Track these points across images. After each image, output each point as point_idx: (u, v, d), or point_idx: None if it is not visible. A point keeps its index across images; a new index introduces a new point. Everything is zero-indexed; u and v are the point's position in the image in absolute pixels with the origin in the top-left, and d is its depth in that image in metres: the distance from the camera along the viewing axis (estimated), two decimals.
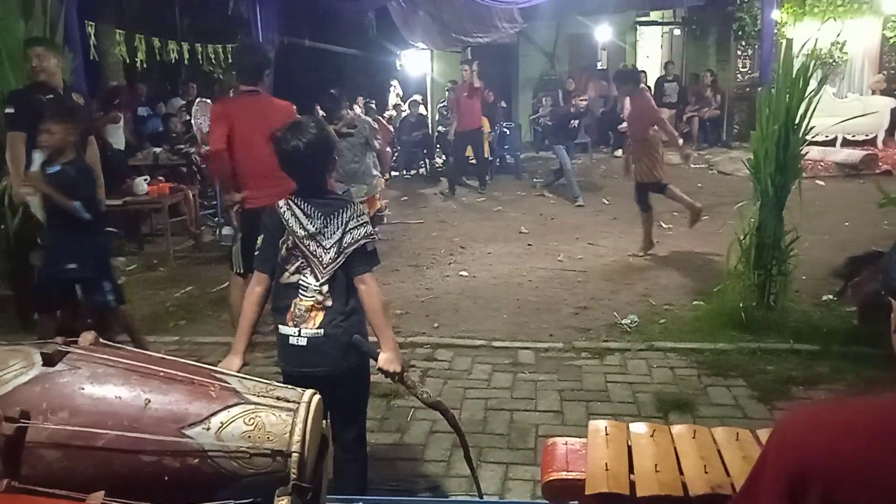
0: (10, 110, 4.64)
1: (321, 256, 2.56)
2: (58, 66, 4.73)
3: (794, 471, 1.07)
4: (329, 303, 2.56)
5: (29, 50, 4.73)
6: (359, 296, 2.61)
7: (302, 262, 2.58)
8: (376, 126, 7.05)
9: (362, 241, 2.59)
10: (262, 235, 2.66)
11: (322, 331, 2.54)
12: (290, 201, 2.61)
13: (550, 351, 4.67)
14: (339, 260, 2.56)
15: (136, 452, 1.54)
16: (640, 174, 6.70)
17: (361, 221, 2.62)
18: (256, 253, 2.67)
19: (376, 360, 2.63)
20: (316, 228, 2.56)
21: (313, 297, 2.55)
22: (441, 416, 2.85)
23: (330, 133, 2.74)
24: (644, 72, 14.54)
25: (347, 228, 2.58)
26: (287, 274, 2.59)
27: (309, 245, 2.56)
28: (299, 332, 2.55)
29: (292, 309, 2.57)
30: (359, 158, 6.73)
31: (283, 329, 2.59)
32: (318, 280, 2.55)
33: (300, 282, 2.57)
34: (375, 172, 7.03)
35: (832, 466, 1.04)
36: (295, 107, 4.56)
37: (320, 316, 2.55)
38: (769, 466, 1.12)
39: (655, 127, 6.70)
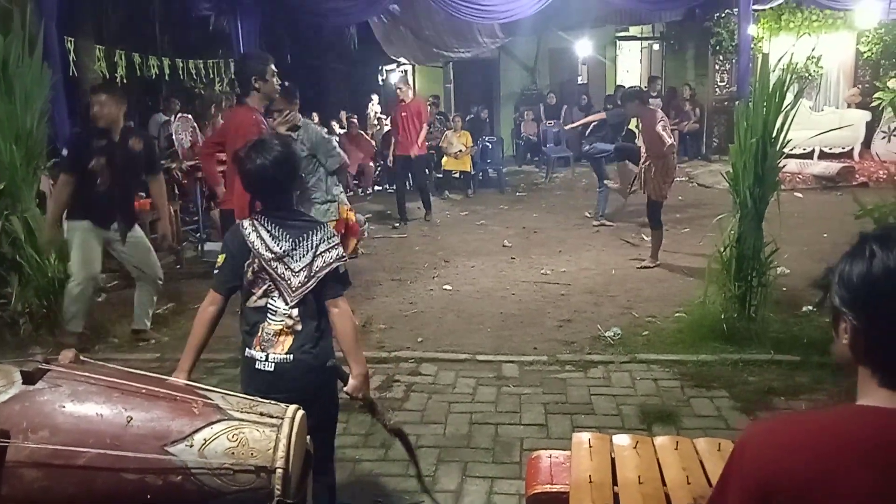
0: (64, 152, 4.93)
1: (290, 279, 2.47)
2: (119, 112, 4.91)
3: (756, 487, 1.11)
4: (299, 327, 2.49)
5: (93, 97, 4.93)
6: (330, 319, 2.54)
7: (269, 286, 2.49)
8: (334, 144, 5.82)
9: (334, 265, 2.52)
10: (224, 255, 2.57)
11: (291, 356, 2.46)
12: (254, 221, 2.52)
13: (534, 364, 4.67)
14: (309, 284, 2.48)
15: (117, 471, 1.53)
16: (652, 191, 6.78)
17: (333, 244, 2.55)
18: (216, 272, 2.58)
19: (346, 383, 2.56)
20: (283, 250, 2.47)
21: (283, 321, 2.48)
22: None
23: (296, 150, 2.65)
24: (622, 86, 14.74)
25: (318, 252, 2.51)
26: (254, 298, 2.51)
27: (277, 268, 2.47)
28: (267, 356, 2.47)
29: (259, 333, 2.49)
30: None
31: (249, 353, 2.51)
32: (286, 304, 2.48)
33: (268, 305, 2.49)
34: (329, 196, 5.69)
35: (792, 481, 1.08)
36: (254, 117, 4.41)
37: (289, 340, 2.48)
38: (732, 485, 1.15)
39: (672, 144, 6.75)
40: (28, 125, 5.14)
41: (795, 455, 1.09)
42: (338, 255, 2.55)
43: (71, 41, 8.97)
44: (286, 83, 5.35)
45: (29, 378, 1.61)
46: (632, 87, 7.94)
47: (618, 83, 15.34)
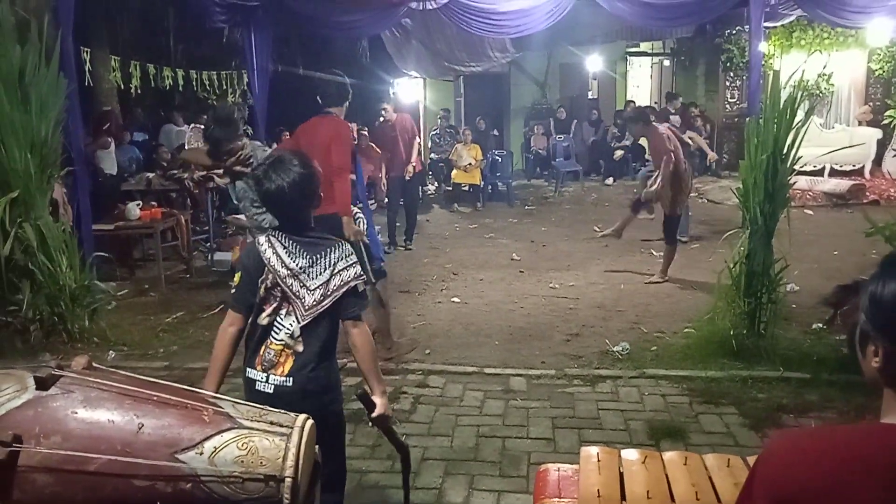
0: None
1: (304, 297, 2.41)
2: None
3: (773, 496, 1.13)
4: (300, 348, 2.42)
5: None
6: (350, 339, 2.49)
7: (280, 303, 2.43)
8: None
9: (353, 283, 2.45)
10: (241, 273, 2.51)
11: (291, 379, 2.40)
12: (270, 238, 2.47)
13: (542, 378, 4.67)
14: (324, 303, 2.42)
15: (128, 477, 1.54)
16: (666, 206, 6.78)
17: (351, 262, 2.48)
18: (233, 291, 2.53)
19: (372, 411, 2.48)
20: (300, 267, 2.41)
21: (283, 340, 2.42)
22: (402, 458, 2.73)
23: (314, 169, 2.54)
24: (633, 101, 14.76)
25: (336, 270, 2.44)
26: (263, 315, 2.44)
27: (292, 285, 2.40)
28: (267, 377, 2.41)
29: (261, 352, 2.44)
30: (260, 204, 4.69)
31: (250, 373, 2.46)
32: (297, 322, 2.41)
33: (275, 323, 2.44)
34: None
35: (806, 492, 1.10)
36: (349, 125, 4.94)
37: (289, 362, 2.41)
38: (755, 490, 1.17)
39: (683, 161, 6.69)
40: (43, 134, 5.20)
41: (813, 467, 1.11)
42: (356, 273, 2.47)
43: (87, 51, 9.08)
44: (225, 114, 4.78)
45: (42, 384, 1.62)
46: (637, 107, 7.94)
47: (628, 98, 15.37)
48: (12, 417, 1.56)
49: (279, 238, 2.46)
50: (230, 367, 2.53)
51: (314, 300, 2.41)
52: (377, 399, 2.49)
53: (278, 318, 2.43)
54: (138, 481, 1.54)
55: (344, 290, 2.44)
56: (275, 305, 2.43)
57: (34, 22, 5.25)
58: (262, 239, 2.49)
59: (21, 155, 5.06)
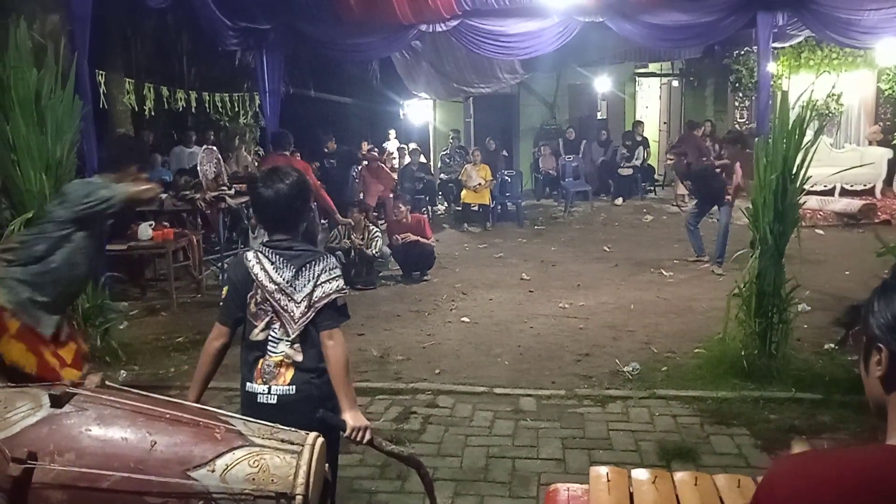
0: None
1: (292, 311, 2.45)
2: None
3: None
4: (299, 358, 2.46)
5: None
6: (323, 350, 2.47)
7: (272, 318, 2.47)
8: None
9: (333, 296, 2.48)
10: (228, 287, 2.57)
11: (293, 387, 2.43)
12: (258, 253, 2.51)
13: (552, 398, 4.65)
14: (309, 314, 2.45)
15: (140, 494, 1.55)
16: None
17: (334, 275, 2.51)
18: (220, 304, 2.59)
19: (344, 430, 2.41)
20: (286, 280, 2.45)
21: (283, 352, 2.46)
22: (417, 471, 2.54)
23: (307, 179, 2.62)
24: (642, 122, 14.79)
25: (319, 282, 2.47)
26: (256, 330, 2.48)
27: (280, 299, 2.45)
28: (269, 389, 2.44)
29: (260, 365, 2.47)
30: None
31: (250, 387, 2.47)
32: (289, 335, 2.45)
33: (269, 338, 2.47)
34: None
35: None
36: (306, 166, 6.09)
37: (290, 372, 2.45)
38: None
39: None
40: (58, 155, 5.25)
41: (821, 494, 1.07)
42: (338, 286, 2.50)
43: (102, 74, 9.20)
44: None
45: (56, 401, 1.65)
46: (736, 131, 7.67)
47: (637, 119, 15.41)
48: (27, 435, 1.58)
49: (266, 253, 2.50)
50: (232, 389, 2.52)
51: (301, 312, 2.45)
52: (346, 415, 2.42)
53: (272, 333, 2.47)
54: (151, 498, 1.56)
55: (325, 301, 2.46)
56: (266, 320, 2.47)
57: (51, 45, 5.34)
58: (250, 255, 2.53)
59: (36, 176, 5.12)
